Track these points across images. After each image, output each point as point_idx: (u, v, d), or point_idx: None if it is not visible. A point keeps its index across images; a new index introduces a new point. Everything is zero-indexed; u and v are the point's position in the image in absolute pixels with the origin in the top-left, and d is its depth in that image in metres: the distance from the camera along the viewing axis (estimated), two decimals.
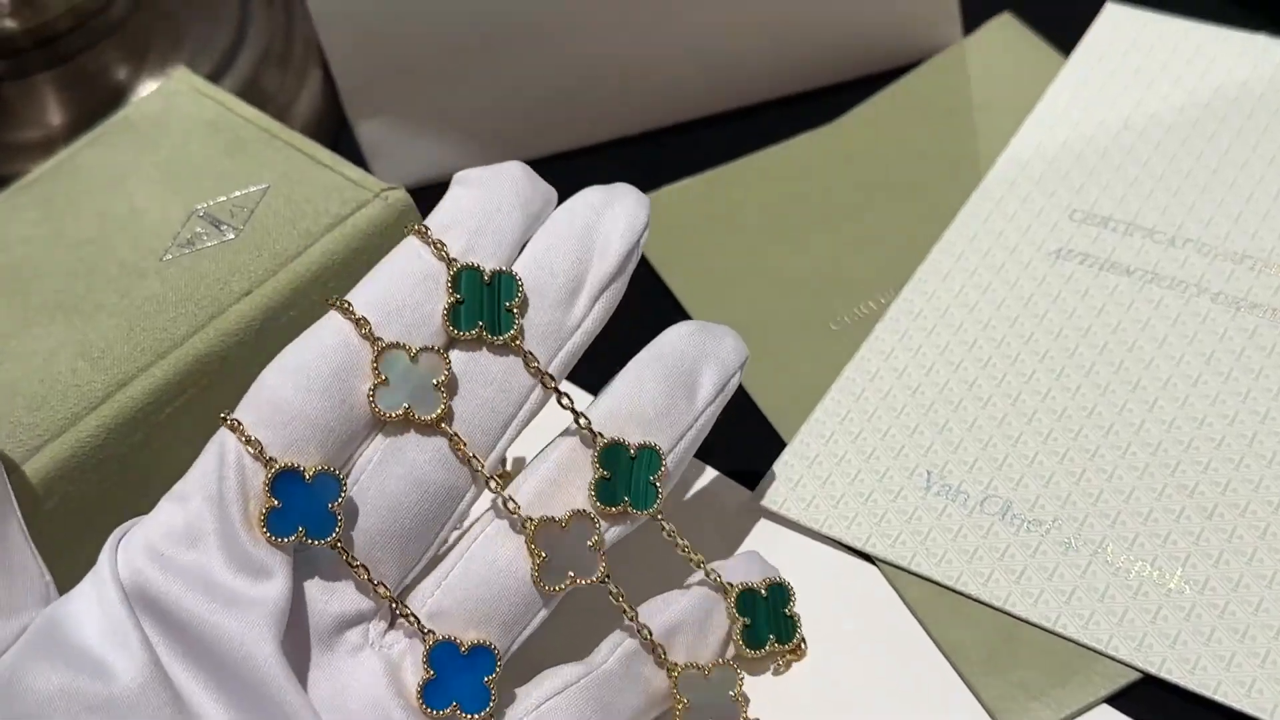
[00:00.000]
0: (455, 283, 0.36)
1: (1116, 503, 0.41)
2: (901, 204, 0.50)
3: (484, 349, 0.37)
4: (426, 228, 0.37)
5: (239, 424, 0.35)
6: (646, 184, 0.53)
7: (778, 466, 0.44)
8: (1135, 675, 0.38)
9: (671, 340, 0.39)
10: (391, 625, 0.36)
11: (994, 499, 0.42)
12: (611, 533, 0.37)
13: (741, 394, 0.47)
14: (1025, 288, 0.47)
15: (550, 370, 0.37)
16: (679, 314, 0.49)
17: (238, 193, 0.44)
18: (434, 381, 0.36)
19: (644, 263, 0.51)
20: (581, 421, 0.37)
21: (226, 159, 0.45)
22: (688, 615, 0.38)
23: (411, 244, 0.37)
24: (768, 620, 0.39)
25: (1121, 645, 0.38)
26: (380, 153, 0.54)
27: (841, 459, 0.44)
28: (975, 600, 0.40)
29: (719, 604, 0.38)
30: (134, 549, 0.34)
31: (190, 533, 0.34)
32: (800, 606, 0.41)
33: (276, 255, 0.42)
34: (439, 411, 0.36)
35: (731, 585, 0.38)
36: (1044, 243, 0.48)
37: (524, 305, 0.37)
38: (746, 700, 0.38)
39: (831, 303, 0.48)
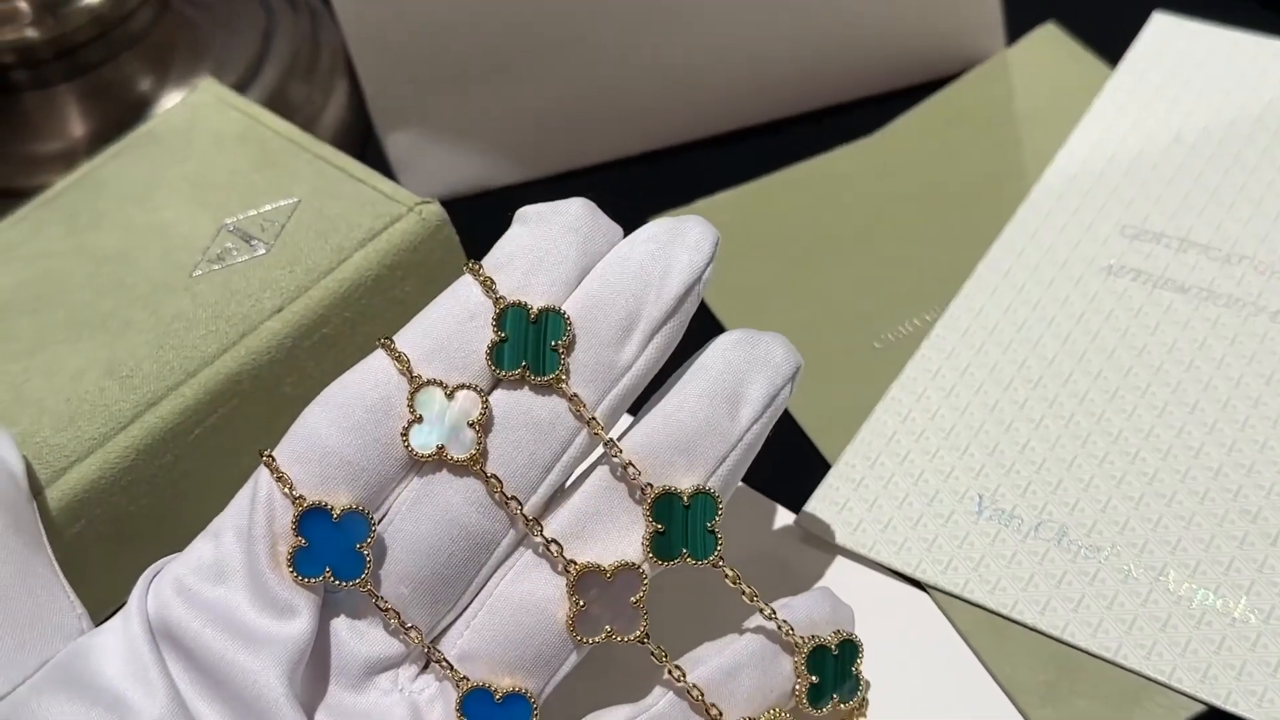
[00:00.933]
0: (500, 321, 0.35)
1: (1177, 528, 0.40)
2: (945, 218, 0.49)
3: (527, 389, 0.35)
4: (480, 265, 0.36)
5: (273, 460, 0.34)
6: (681, 198, 0.52)
7: (822, 489, 0.42)
8: (1200, 708, 0.37)
9: (715, 352, 0.36)
10: (423, 669, 0.35)
11: (1049, 524, 0.41)
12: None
13: (784, 414, 0.45)
14: (1076, 305, 0.45)
15: (599, 412, 0.35)
16: (717, 333, 0.47)
17: (268, 206, 0.43)
18: (469, 420, 0.34)
19: None
20: (618, 458, 0.34)
21: (255, 172, 0.44)
22: (742, 659, 0.35)
23: (463, 282, 0.35)
24: (834, 678, 0.36)
25: (1185, 677, 0.37)
26: (409, 165, 0.53)
27: (889, 481, 0.42)
28: (1032, 629, 0.39)
29: (780, 654, 0.35)
30: (164, 583, 0.34)
31: (218, 569, 0.34)
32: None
33: (309, 270, 0.41)
34: (472, 452, 0.34)
35: (803, 640, 0.35)
36: (1095, 258, 0.46)
37: (571, 345, 0.35)
38: None
39: (874, 320, 0.47)
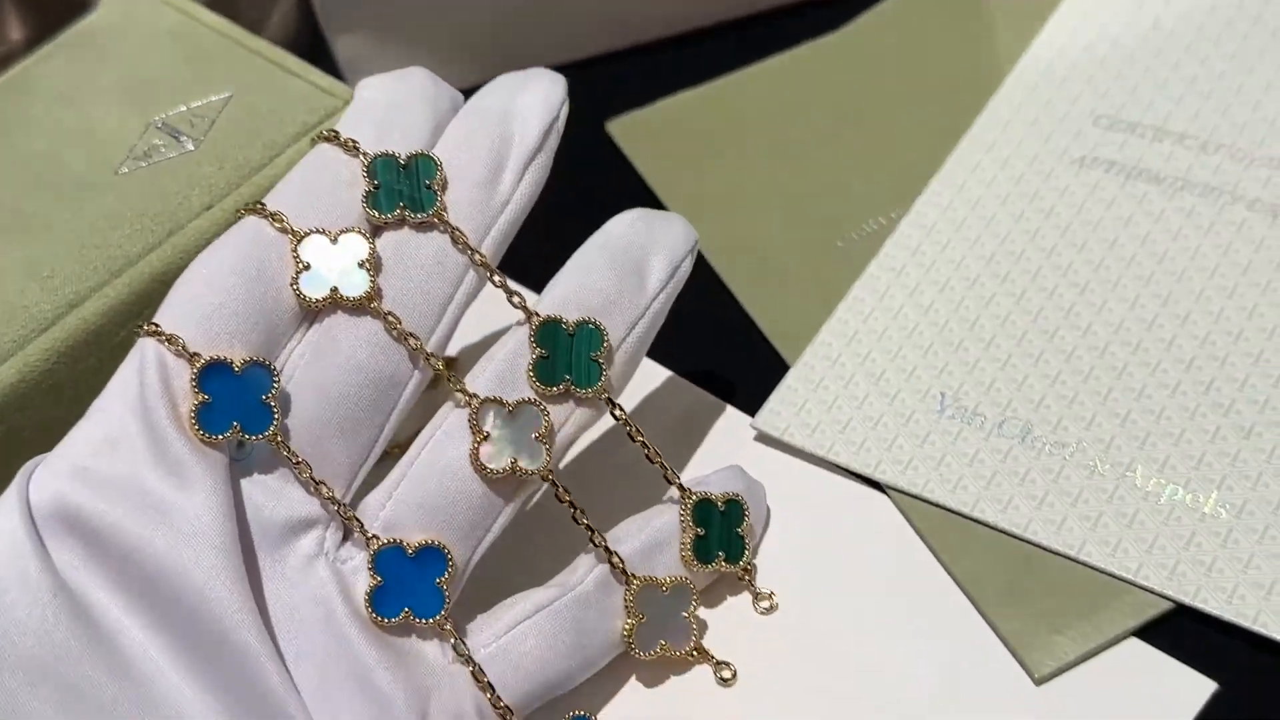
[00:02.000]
0: (371, 171, 0.35)
1: (1146, 423, 0.38)
2: (913, 114, 0.47)
3: (410, 230, 0.35)
4: (335, 131, 0.36)
5: (156, 326, 0.33)
6: (641, 99, 0.50)
7: (780, 391, 0.41)
8: (1166, 605, 0.35)
9: (618, 228, 0.37)
10: (346, 537, 0.34)
11: (1013, 421, 0.39)
12: (565, 430, 0.35)
13: (742, 317, 0.44)
14: (1047, 198, 0.43)
15: (483, 249, 0.35)
16: None
17: (198, 102, 0.41)
18: (358, 260, 0.34)
19: (640, 183, 0.48)
20: (527, 308, 0.35)
21: (187, 68, 0.42)
22: (664, 536, 0.36)
23: (321, 148, 0.36)
24: (720, 536, 0.36)
25: (1152, 574, 0.35)
26: (358, 70, 0.51)
27: (849, 382, 0.41)
28: (993, 528, 0.37)
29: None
30: (52, 470, 0.32)
31: (114, 442, 0.32)
32: (806, 537, 0.38)
33: (240, 167, 0.39)
34: (366, 290, 0.34)
35: (691, 493, 0.36)
36: (1067, 150, 0.45)
37: (445, 185, 0.35)
38: (702, 625, 0.36)
39: (838, 220, 0.45)
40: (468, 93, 0.51)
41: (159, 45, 0.43)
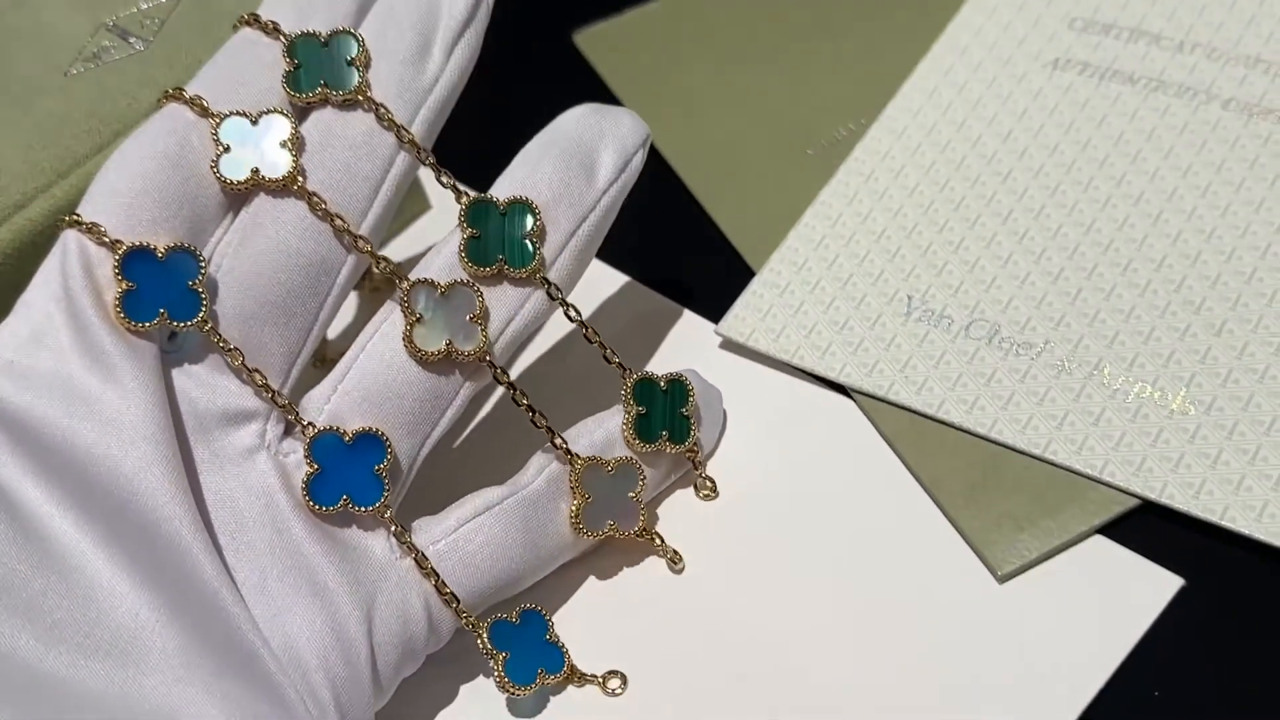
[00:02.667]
0: (291, 51, 0.34)
1: (1115, 322, 0.37)
2: (885, 20, 0.46)
3: (335, 111, 0.34)
4: (254, 14, 0.35)
5: (78, 217, 0.32)
6: (606, 10, 0.49)
7: (745, 297, 0.40)
8: (1133, 502, 0.34)
9: (566, 123, 0.36)
10: (289, 431, 0.33)
11: (981, 322, 0.38)
12: (515, 325, 0.34)
13: (709, 225, 0.43)
14: (1019, 101, 0.43)
15: (414, 129, 0.34)
16: None
17: (147, 3, 0.40)
18: (280, 140, 0.33)
19: (608, 94, 0.47)
20: (458, 188, 0.34)
21: None
22: (614, 436, 0.35)
23: (243, 32, 0.35)
24: (664, 415, 0.35)
25: (1118, 471, 0.35)
26: None
27: (815, 286, 0.40)
28: (958, 429, 0.36)
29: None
30: None
31: (39, 335, 0.31)
32: (771, 443, 0.38)
33: (190, 67, 0.39)
34: (288, 170, 0.33)
35: (632, 374, 0.35)
36: (1040, 53, 0.44)
37: (368, 63, 0.34)
38: (653, 512, 0.36)
39: (808, 127, 0.44)
40: None
41: None
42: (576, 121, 0.36)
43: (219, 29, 0.39)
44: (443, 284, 0.33)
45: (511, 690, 0.33)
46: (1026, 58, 0.44)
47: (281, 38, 0.34)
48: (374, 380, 0.33)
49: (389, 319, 0.34)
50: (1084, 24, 0.44)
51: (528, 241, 0.34)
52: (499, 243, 0.34)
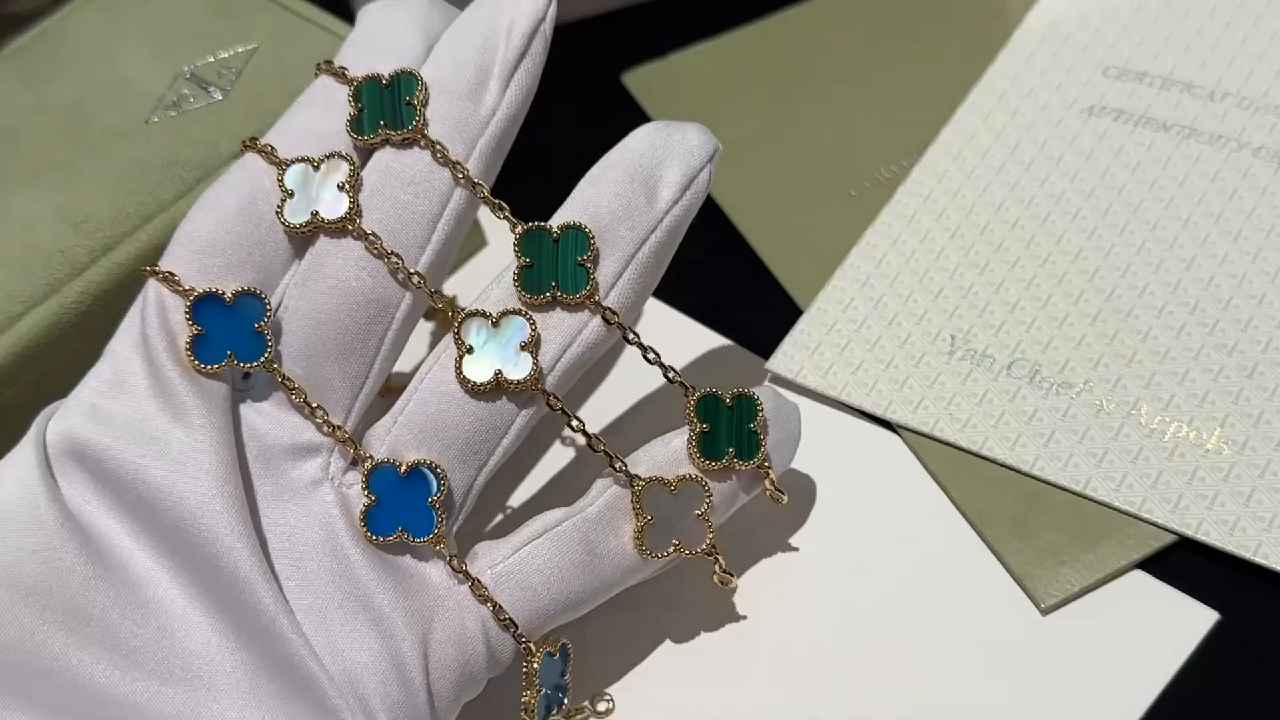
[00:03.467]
0: (356, 94, 0.35)
1: (1151, 363, 0.39)
2: (925, 64, 0.48)
3: (392, 150, 0.35)
4: (328, 61, 0.36)
5: (156, 267, 0.34)
6: (655, 51, 0.51)
7: (794, 334, 0.42)
8: (1170, 538, 0.36)
9: (631, 141, 0.35)
10: (354, 464, 0.34)
11: (1021, 362, 0.40)
12: (573, 351, 0.34)
13: (757, 264, 0.45)
14: (1056, 146, 0.44)
15: (470, 164, 0.35)
16: None
17: (226, 53, 0.42)
18: (338, 183, 0.34)
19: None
20: (511, 218, 0.35)
21: (215, 20, 0.43)
22: (683, 455, 0.34)
23: (319, 80, 0.36)
24: (730, 432, 0.34)
25: (1156, 508, 0.36)
26: None
27: (861, 325, 0.42)
28: (1001, 465, 0.38)
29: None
30: (66, 410, 0.33)
31: (119, 380, 0.33)
32: (819, 477, 0.39)
33: (266, 115, 0.40)
34: (345, 211, 0.34)
35: (695, 389, 0.35)
36: (1076, 100, 0.45)
37: (427, 100, 0.35)
38: (711, 525, 0.35)
39: (851, 168, 0.46)
40: None
41: None
42: (641, 140, 0.35)
43: (294, 78, 0.41)
44: (495, 315, 0.34)
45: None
46: (1062, 104, 0.45)
47: (350, 82, 0.35)
48: (429, 412, 0.34)
49: (445, 351, 0.34)
50: (1118, 72, 0.46)
51: (582, 267, 0.34)
52: (552, 269, 0.34)
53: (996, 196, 0.44)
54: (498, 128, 0.35)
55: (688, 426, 0.34)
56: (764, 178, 0.46)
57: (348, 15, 0.51)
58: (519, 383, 0.33)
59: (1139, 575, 0.36)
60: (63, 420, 0.33)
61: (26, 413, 0.37)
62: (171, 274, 0.34)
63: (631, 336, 0.34)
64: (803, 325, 0.42)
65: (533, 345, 0.33)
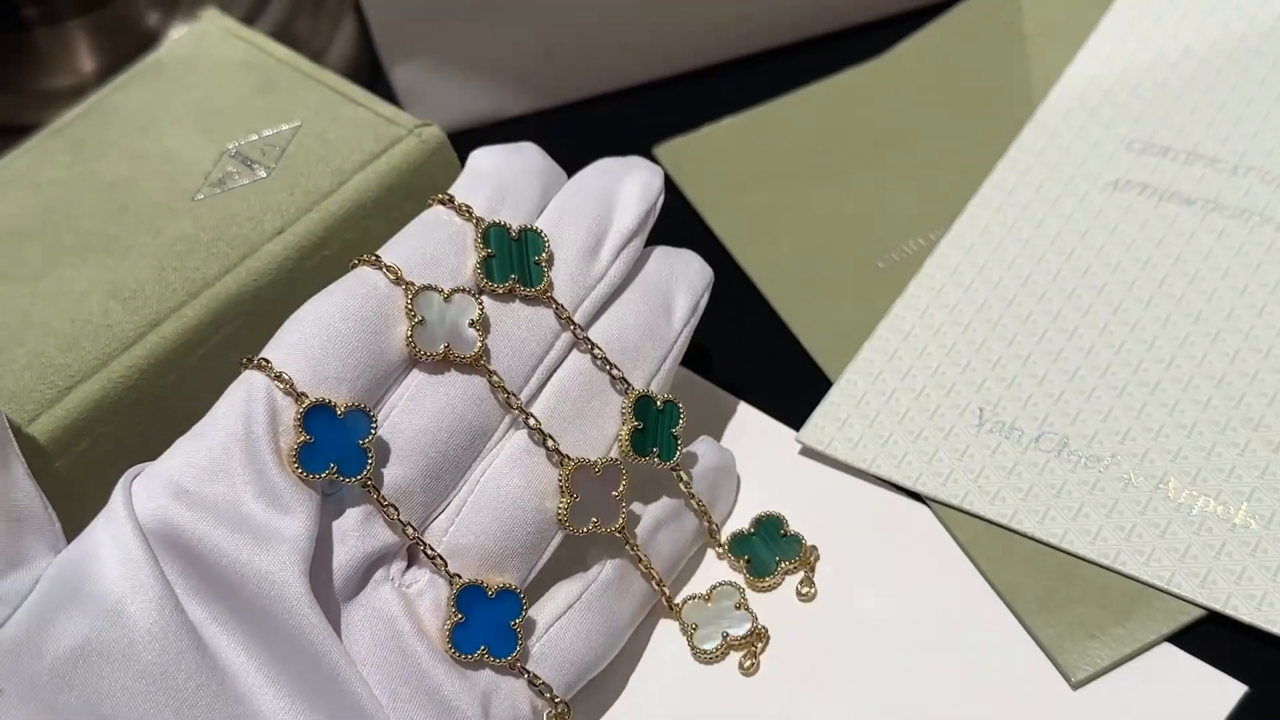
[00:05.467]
0: (485, 238, 0.37)
1: (1178, 438, 0.39)
2: (951, 139, 0.49)
3: (515, 300, 0.37)
4: (450, 195, 0.38)
5: (266, 362, 0.35)
6: (686, 125, 0.52)
7: (824, 406, 0.42)
8: (1199, 613, 0.37)
9: (647, 267, 0.40)
10: (410, 563, 0.36)
11: (1049, 435, 0.40)
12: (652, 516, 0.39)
13: (786, 335, 0.45)
14: (1081, 220, 0.45)
15: (576, 317, 0.38)
16: (722, 256, 0.48)
17: (269, 131, 0.43)
18: (469, 321, 0.36)
19: (686, 204, 0.50)
20: (597, 352, 0.38)
21: (258, 98, 0.44)
22: (664, 515, 0.39)
23: (435, 210, 0.38)
24: (654, 432, 0.38)
25: (1184, 582, 0.37)
26: (415, 97, 0.53)
27: (890, 397, 0.42)
28: (1030, 539, 0.39)
29: (684, 508, 0.39)
30: (154, 486, 0.33)
31: (216, 467, 0.34)
32: (849, 548, 0.40)
33: (309, 193, 0.41)
34: (476, 350, 0.36)
35: (722, 544, 0.40)
36: (1100, 174, 0.46)
37: (550, 260, 0.38)
38: (753, 613, 0.39)
39: (878, 240, 0.47)
40: (523, 121, 0.53)
41: (230, 76, 0.45)
42: (654, 265, 0.40)
43: (336, 155, 0.42)
44: (599, 467, 0.37)
45: None
46: (1087, 178, 0.46)
47: (475, 222, 0.38)
48: (493, 517, 0.36)
49: (506, 451, 0.36)
50: (1141, 146, 0.46)
51: (675, 438, 0.38)
52: (654, 437, 0.38)
53: (1023, 270, 0.44)
54: (604, 289, 0.39)
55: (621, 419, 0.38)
56: (792, 249, 0.47)
57: (387, 94, 0.53)
58: (609, 531, 0.37)
59: (1167, 649, 0.36)
60: (152, 499, 0.33)
61: (74, 486, 0.38)
62: (284, 374, 0.34)
63: (692, 493, 0.39)
64: (833, 397, 0.43)
65: (624, 495, 0.37)
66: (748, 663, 0.38)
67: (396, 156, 0.42)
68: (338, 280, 0.36)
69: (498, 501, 0.36)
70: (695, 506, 0.39)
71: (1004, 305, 0.44)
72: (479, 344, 0.36)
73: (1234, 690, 0.36)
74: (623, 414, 0.38)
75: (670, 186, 0.50)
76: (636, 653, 0.39)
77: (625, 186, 0.39)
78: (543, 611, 0.36)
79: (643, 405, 0.38)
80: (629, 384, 0.38)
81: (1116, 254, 0.44)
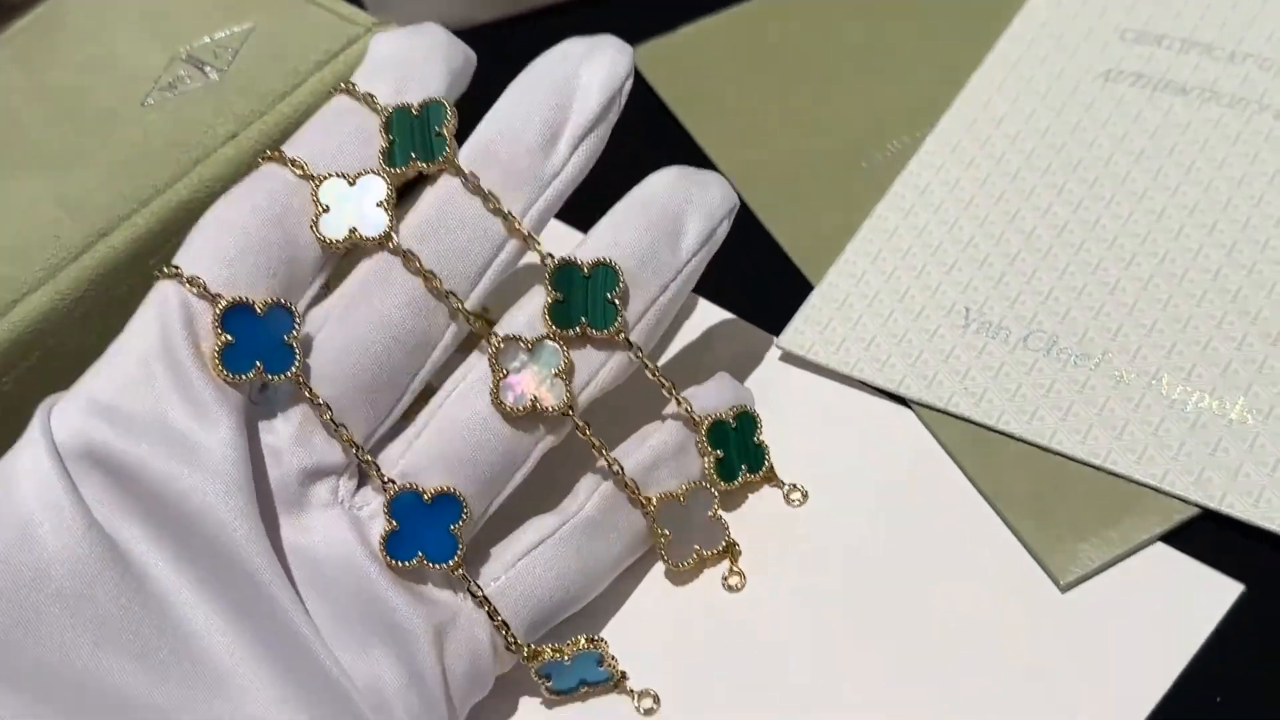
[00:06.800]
0: (388, 125, 0.35)
1: (1172, 332, 0.38)
2: (937, 33, 0.47)
3: (448, 191, 0.35)
4: (352, 83, 0.36)
5: (177, 269, 0.33)
6: (662, 26, 0.50)
7: (805, 310, 0.41)
8: (1193, 511, 0.35)
9: (655, 187, 0.36)
10: (361, 484, 0.34)
11: (1039, 334, 0.39)
12: (598, 381, 0.35)
13: (767, 239, 0.44)
14: (1072, 113, 0.43)
15: (527, 219, 0.35)
16: (699, 160, 0.46)
17: (222, 33, 0.41)
18: (377, 200, 0.34)
19: (661, 108, 0.48)
20: (549, 263, 0.35)
21: (209, 0, 0.42)
22: (663, 450, 0.36)
23: (338, 101, 0.36)
24: (739, 451, 0.36)
25: (1178, 480, 0.35)
26: (381, 3, 0.51)
27: (873, 299, 0.41)
28: (1018, 440, 0.37)
29: (691, 442, 0.36)
30: (74, 407, 0.32)
31: (136, 381, 0.32)
32: (832, 454, 0.38)
33: (263, 96, 0.40)
34: (384, 229, 0.34)
35: (701, 418, 0.36)
36: (1092, 65, 0.44)
37: (456, 129, 0.35)
38: (725, 524, 0.36)
39: (862, 140, 0.45)
40: (494, 28, 0.51)
41: None
42: (665, 186, 0.36)
43: (291, 58, 0.40)
44: (530, 341, 0.34)
45: (550, 696, 0.34)
46: (1079, 70, 0.44)
47: (379, 111, 0.36)
48: (455, 440, 0.34)
49: (468, 377, 0.35)
50: (1136, 35, 0.44)
51: (611, 304, 0.35)
52: (582, 306, 0.35)
53: (1012, 165, 0.43)
54: (560, 187, 0.36)
55: (696, 449, 0.36)
56: (773, 152, 0.45)
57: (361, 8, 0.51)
58: (554, 409, 0.34)
59: (1161, 549, 0.35)
60: (73, 419, 0.32)
61: (22, 402, 0.36)
62: (197, 278, 0.33)
63: (650, 371, 0.36)
64: (814, 300, 0.41)
65: (565, 374, 0.34)
66: (733, 580, 0.36)
67: (354, 57, 0.40)
68: (243, 180, 0.35)
69: (456, 427, 0.34)
70: (700, 445, 0.36)
71: (991, 202, 0.42)
72: (386, 223, 0.34)
73: (1230, 590, 0.34)
74: (698, 450, 0.36)
75: (647, 90, 0.48)
76: (626, 591, 0.37)
77: (587, 70, 0.36)
78: (513, 545, 0.34)
79: (564, 274, 0.35)
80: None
81: (1109, 147, 0.42)
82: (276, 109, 0.40)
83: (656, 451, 0.35)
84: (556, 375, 0.34)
